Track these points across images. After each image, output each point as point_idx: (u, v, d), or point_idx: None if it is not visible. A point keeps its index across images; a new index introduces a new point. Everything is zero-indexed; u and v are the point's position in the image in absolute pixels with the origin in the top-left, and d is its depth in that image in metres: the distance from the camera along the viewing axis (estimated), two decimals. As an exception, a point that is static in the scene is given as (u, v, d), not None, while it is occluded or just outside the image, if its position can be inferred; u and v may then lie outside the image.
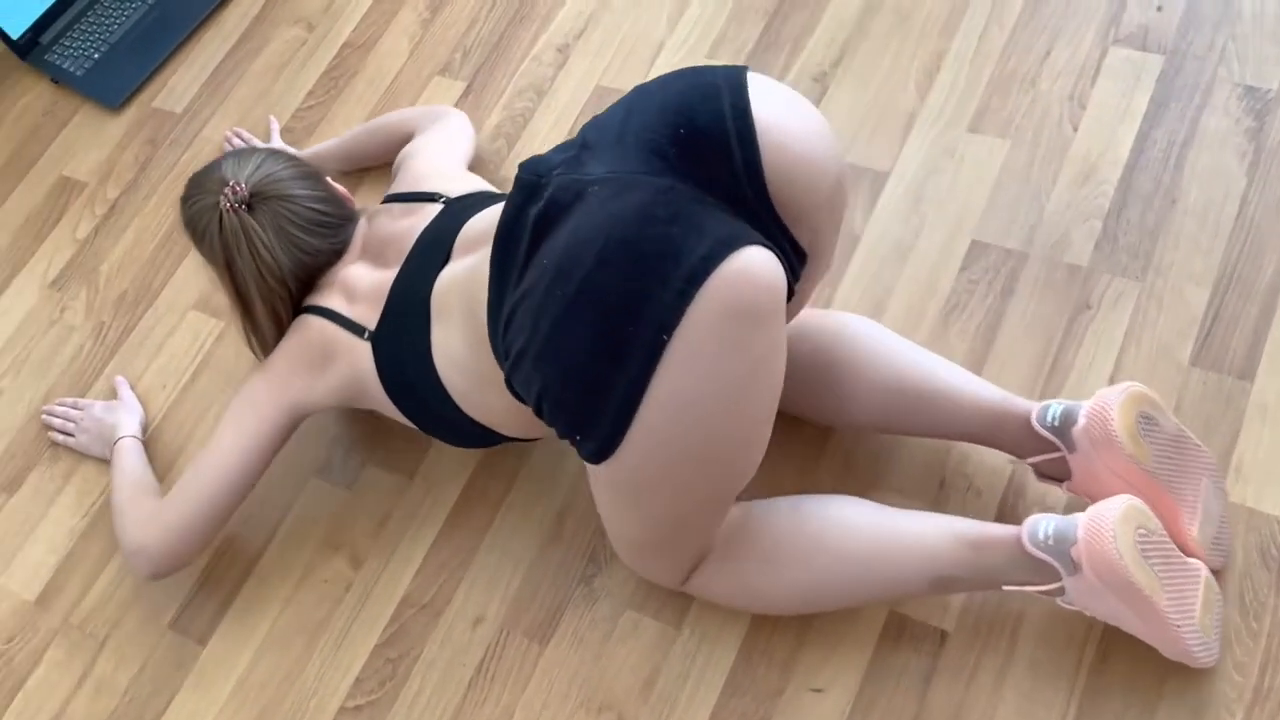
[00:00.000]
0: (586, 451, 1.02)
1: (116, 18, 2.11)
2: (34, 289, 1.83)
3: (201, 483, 1.35)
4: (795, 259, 1.03)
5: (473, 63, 1.87)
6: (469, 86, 1.84)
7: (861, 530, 1.15)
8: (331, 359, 1.34)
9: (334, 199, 1.44)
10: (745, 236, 0.93)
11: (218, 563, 1.50)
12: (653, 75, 1.76)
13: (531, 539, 1.42)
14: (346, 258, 1.42)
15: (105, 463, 1.61)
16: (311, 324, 1.37)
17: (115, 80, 2.03)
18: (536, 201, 0.98)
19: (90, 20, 2.13)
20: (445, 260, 1.25)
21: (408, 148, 1.63)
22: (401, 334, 1.27)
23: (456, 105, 1.82)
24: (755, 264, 0.91)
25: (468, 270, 1.15)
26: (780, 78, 1.70)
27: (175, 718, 1.41)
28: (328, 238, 1.41)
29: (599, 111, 1.65)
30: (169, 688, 1.43)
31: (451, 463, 1.49)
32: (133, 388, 1.66)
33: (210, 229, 1.37)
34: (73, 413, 1.65)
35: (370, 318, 1.32)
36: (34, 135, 2.02)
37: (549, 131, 1.76)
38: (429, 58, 1.90)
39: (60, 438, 1.64)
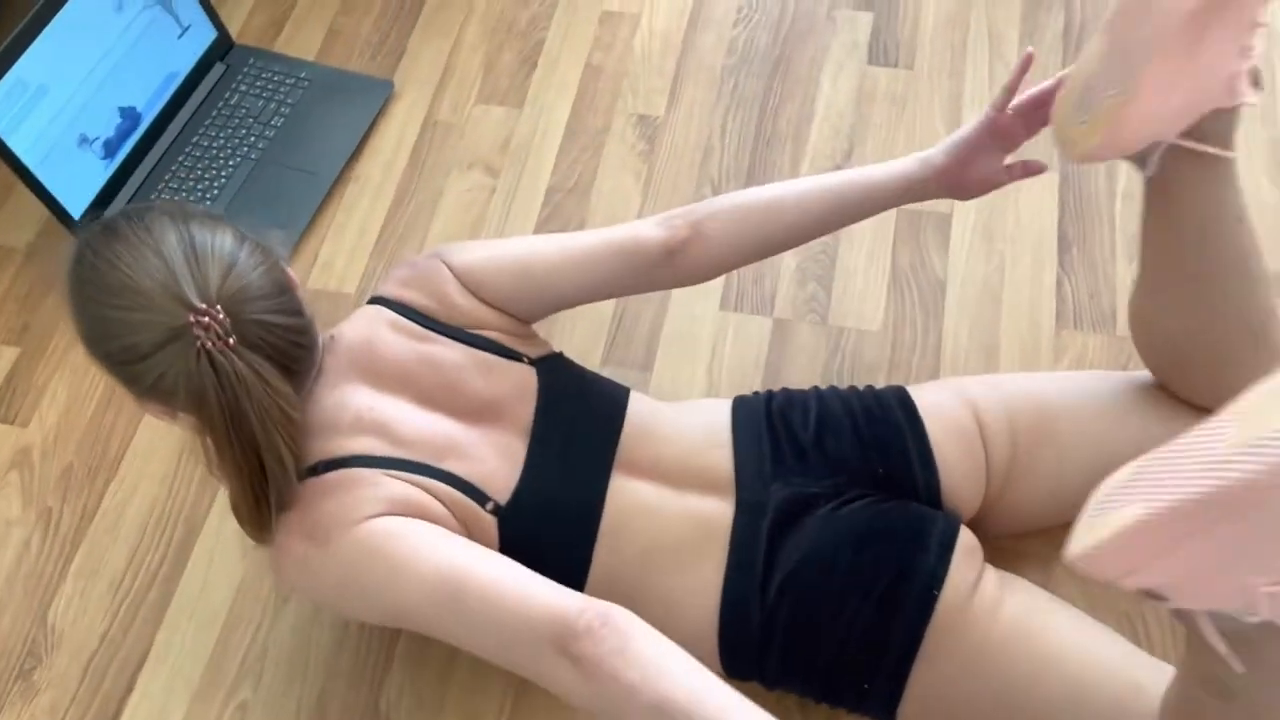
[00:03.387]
0: (874, 707, 1.09)
1: (203, 186, 1.66)
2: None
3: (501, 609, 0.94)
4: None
5: (729, 197, 1.59)
6: (738, 224, 1.56)
7: None
8: (422, 516, 1.02)
9: (308, 322, 1.06)
10: (955, 516, 1.12)
11: None
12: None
13: None
14: (332, 384, 1.07)
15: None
16: (386, 484, 1.02)
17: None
18: (763, 515, 1.09)
19: (162, 193, 1.66)
20: (608, 464, 1.12)
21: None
22: (549, 526, 1.09)
23: (733, 247, 1.53)
24: (970, 537, 1.11)
25: (662, 508, 1.11)
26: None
27: None
28: (303, 379, 1.05)
29: (919, 236, 1.41)
30: None
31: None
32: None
33: (193, 382, 0.94)
34: None
35: (492, 487, 1.07)
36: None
37: (866, 268, 1.50)
38: (669, 193, 1.60)
39: None
